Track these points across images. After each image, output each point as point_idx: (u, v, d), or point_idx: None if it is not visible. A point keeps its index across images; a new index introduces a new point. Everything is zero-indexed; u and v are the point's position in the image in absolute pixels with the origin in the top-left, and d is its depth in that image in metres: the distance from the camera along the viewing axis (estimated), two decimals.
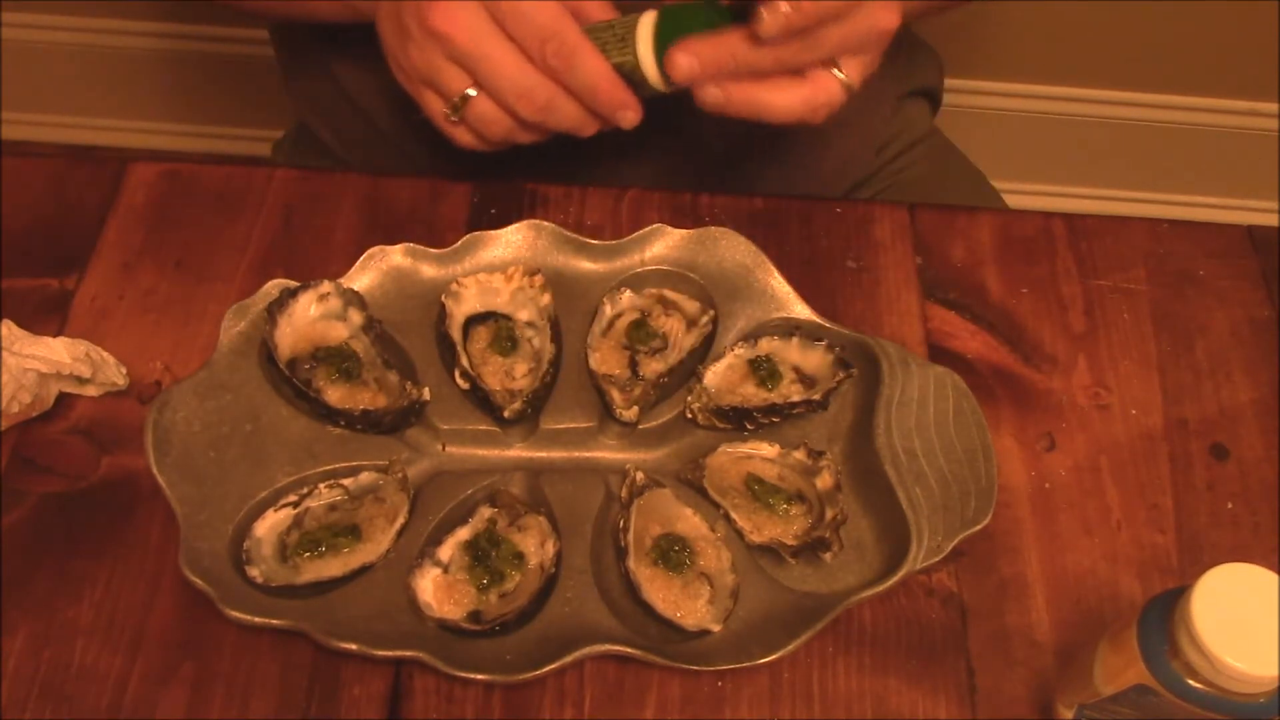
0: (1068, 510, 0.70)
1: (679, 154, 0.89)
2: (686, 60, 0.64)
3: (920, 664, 0.65)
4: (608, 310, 0.74)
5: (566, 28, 0.64)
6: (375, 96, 0.89)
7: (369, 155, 0.94)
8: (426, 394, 0.70)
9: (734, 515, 0.67)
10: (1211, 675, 0.50)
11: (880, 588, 0.63)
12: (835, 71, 0.66)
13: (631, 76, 0.66)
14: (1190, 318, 0.79)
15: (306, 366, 0.69)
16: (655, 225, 0.76)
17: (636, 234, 0.76)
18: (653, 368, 0.72)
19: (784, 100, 0.65)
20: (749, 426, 0.71)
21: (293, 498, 0.66)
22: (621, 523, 0.65)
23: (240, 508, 0.66)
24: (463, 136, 0.70)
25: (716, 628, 0.63)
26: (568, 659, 0.61)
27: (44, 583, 0.65)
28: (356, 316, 0.71)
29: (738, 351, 0.73)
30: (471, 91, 0.67)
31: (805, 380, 0.72)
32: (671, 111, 0.85)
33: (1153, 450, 0.73)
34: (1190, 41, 1.60)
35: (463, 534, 0.65)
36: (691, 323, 0.74)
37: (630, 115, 0.67)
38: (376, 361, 0.70)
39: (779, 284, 0.75)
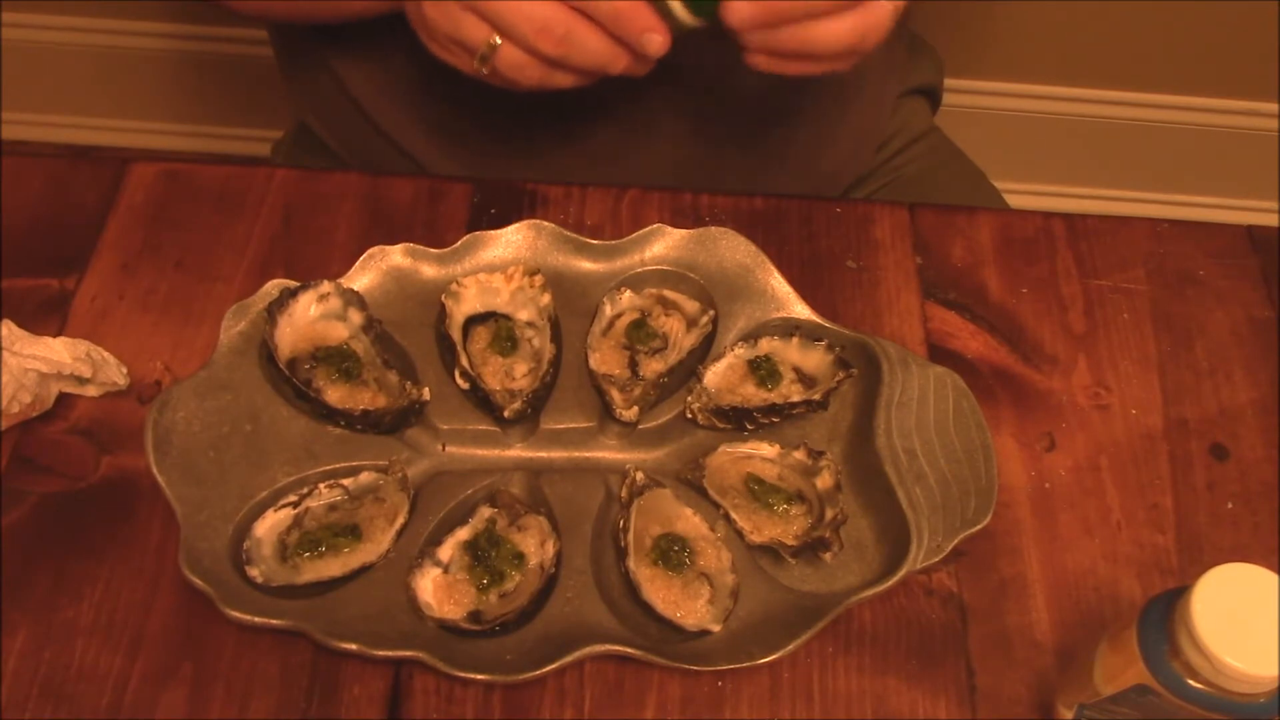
0: (1068, 510, 0.70)
1: (679, 153, 0.89)
2: (745, 8, 0.61)
3: (920, 664, 0.65)
4: (608, 310, 0.74)
5: None
6: (376, 95, 0.89)
7: (369, 155, 0.94)
8: (426, 394, 0.70)
9: (734, 515, 0.67)
10: (1211, 675, 0.50)
11: (880, 588, 0.63)
12: None
13: (660, 9, 0.63)
14: (1190, 318, 0.79)
15: (306, 366, 0.69)
16: (655, 225, 0.76)
17: (636, 234, 0.76)
18: (653, 368, 0.72)
19: (834, 30, 0.62)
20: (749, 426, 0.71)
21: (293, 498, 0.66)
22: (621, 523, 0.65)
23: (240, 508, 0.66)
24: (502, 85, 0.67)
25: (716, 628, 0.63)
26: (568, 659, 0.61)
27: (44, 583, 0.65)
28: (356, 316, 0.71)
29: (738, 351, 0.73)
30: (497, 40, 0.64)
31: (805, 380, 0.72)
32: (672, 106, 0.86)
33: (1153, 450, 0.73)
34: (1190, 41, 1.60)
35: (463, 534, 0.65)
36: (691, 323, 0.74)
37: (657, 39, 0.63)
38: (376, 361, 0.70)
39: (779, 284, 0.75)
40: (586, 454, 0.71)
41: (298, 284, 0.71)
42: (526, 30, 0.63)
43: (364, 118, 0.91)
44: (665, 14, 0.63)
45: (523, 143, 0.88)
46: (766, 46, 0.63)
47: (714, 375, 0.72)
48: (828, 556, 0.66)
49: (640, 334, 0.73)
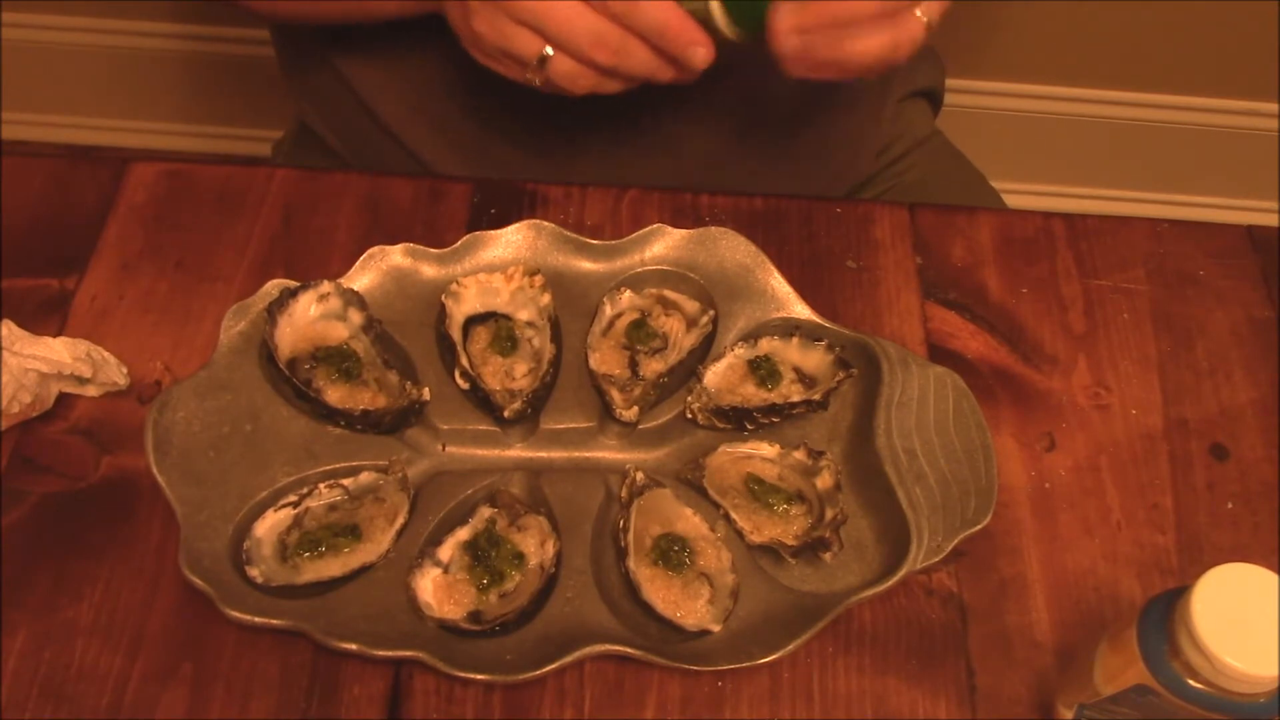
0: (1068, 510, 0.70)
1: (679, 155, 0.89)
2: (788, 25, 0.62)
3: (920, 664, 0.65)
4: (608, 310, 0.74)
5: None
6: (379, 90, 0.89)
7: (370, 152, 0.94)
8: (426, 394, 0.70)
9: (734, 515, 0.67)
10: (1211, 675, 0.50)
11: (880, 588, 0.63)
12: (916, 12, 0.64)
13: (705, 23, 0.64)
14: (1190, 318, 0.79)
15: (306, 366, 0.69)
16: (655, 225, 0.76)
17: (636, 234, 0.76)
18: (653, 368, 0.72)
19: (866, 46, 0.64)
20: (749, 426, 0.71)
21: (293, 498, 0.66)
22: (621, 523, 0.65)
23: (240, 508, 0.66)
24: (551, 92, 0.68)
25: (716, 628, 0.63)
26: (568, 659, 0.61)
27: (44, 583, 0.65)
28: (356, 316, 0.71)
29: (738, 351, 0.73)
30: (549, 51, 0.65)
31: (805, 380, 0.72)
32: (676, 110, 0.86)
33: (1153, 450, 0.73)
34: (1190, 41, 1.60)
35: (463, 534, 0.65)
36: (691, 323, 0.74)
37: (701, 52, 0.64)
38: (376, 361, 0.70)
39: (779, 284, 0.75)
40: (586, 454, 0.71)
41: (298, 284, 0.71)
42: (581, 42, 0.64)
43: (367, 114, 0.91)
44: (710, 27, 0.64)
45: (526, 140, 0.88)
46: (804, 53, 0.64)
47: (714, 375, 0.72)
48: (828, 556, 0.66)
49: (640, 334, 0.73)
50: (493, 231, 0.75)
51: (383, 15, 0.79)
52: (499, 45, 0.66)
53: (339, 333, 0.71)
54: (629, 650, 0.61)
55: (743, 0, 0.63)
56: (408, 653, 0.61)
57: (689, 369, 0.72)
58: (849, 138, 0.95)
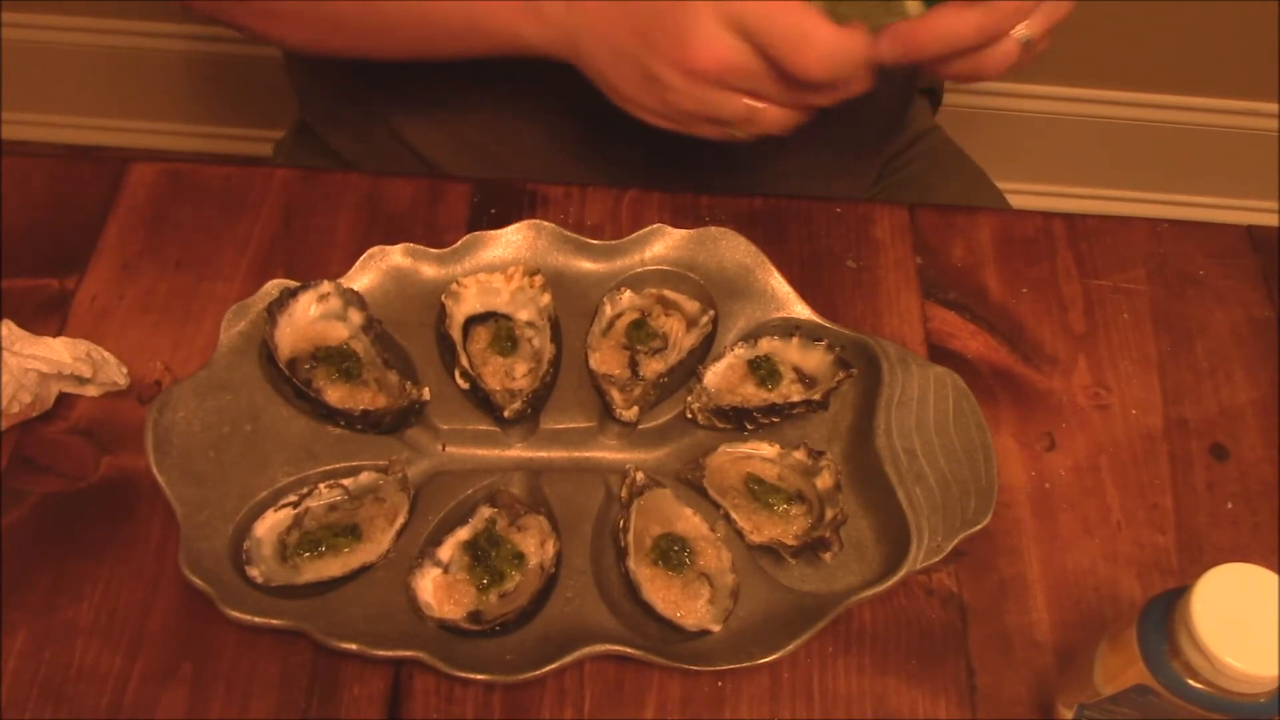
0: (1068, 510, 0.70)
1: (679, 155, 0.89)
2: (893, 47, 0.62)
3: (920, 664, 0.65)
4: (608, 310, 0.74)
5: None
6: (382, 91, 0.89)
7: (369, 147, 0.93)
8: (426, 394, 0.70)
9: (734, 515, 0.67)
10: (1211, 675, 0.50)
11: (880, 588, 0.63)
12: (1016, 33, 0.66)
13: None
14: (1190, 318, 0.79)
15: (306, 366, 0.69)
16: (655, 225, 0.76)
17: (636, 234, 0.76)
18: (653, 368, 0.72)
19: (955, 70, 0.65)
20: (749, 426, 0.71)
21: (293, 498, 0.66)
22: (621, 523, 0.65)
23: (240, 508, 0.66)
24: (752, 139, 0.68)
25: (716, 628, 0.63)
26: (568, 659, 0.61)
27: (44, 583, 0.65)
28: (356, 316, 0.71)
29: (738, 351, 0.73)
30: (759, 104, 0.64)
31: (805, 380, 0.72)
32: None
33: (1153, 450, 0.73)
34: (1190, 41, 1.60)
35: (463, 534, 0.65)
36: (691, 323, 0.74)
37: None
38: (376, 361, 0.70)
39: (779, 284, 0.75)
40: (586, 454, 0.71)
41: (298, 284, 0.71)
42: (807, 95, 0.63)
43: (370, 113, 0.91)
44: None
45: (536, 140, 0.88)
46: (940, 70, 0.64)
47: (714, 375, 0.72)
48: (828, 556, 0.66)
49: (640, 334, 0.73)
50: (493, 231, 0.75)
51: (464, 56, 0.75)
52: (703, 114, 0.65)
53: (339, 333, 0.71)
54: (629, 650, 0.61)
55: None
56: (408, 653, 0.61)
57: (689, 369, 0.72)
58: (869, 139, 0.95)
